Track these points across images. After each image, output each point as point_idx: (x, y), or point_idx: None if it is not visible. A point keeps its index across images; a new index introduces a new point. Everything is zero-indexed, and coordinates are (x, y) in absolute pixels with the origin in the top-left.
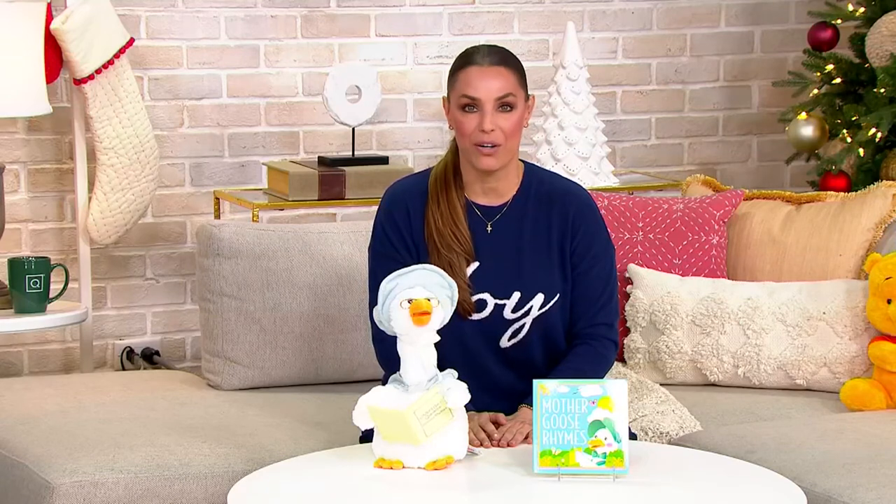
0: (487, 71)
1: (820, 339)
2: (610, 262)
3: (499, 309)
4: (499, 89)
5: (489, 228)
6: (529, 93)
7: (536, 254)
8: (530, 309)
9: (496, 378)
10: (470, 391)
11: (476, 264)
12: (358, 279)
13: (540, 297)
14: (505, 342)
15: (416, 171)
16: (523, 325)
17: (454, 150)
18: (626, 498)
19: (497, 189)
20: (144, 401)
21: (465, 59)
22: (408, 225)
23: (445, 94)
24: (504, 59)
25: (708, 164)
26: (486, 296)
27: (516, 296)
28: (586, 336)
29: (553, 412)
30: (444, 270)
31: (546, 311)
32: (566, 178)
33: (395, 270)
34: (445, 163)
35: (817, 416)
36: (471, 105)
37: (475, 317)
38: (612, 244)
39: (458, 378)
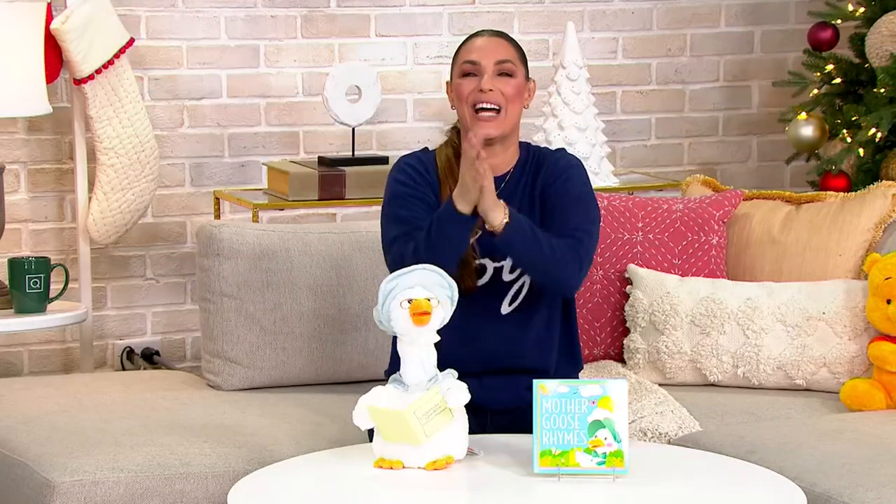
0: (489, 40)
1: (819, 339)
2: (590, 206)
3: (497, 272)
4: (499, 54)
5: None
6: (530, 77)
7: (531, 214)
8: None
9: (494, 350)
10: (465, 360)
11: (479, 233)
12: (358, 279)
13: None
14: (506, 307)
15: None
16: (522, 286)
17: (457, 132)
18: (626, 498)
19: (495, 164)
20: (144, 401)
21: (468, 37)
22: (425, 181)
23: (448, 79)
24: (505, 36)
25: (708, 165)
26: (485, 261)
27: None
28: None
29: (553, 412)
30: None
31: None
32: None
33: (420, 211)
34: (450, 141)
35: (817, 417)
36: (471, 71)
37: (478, 283)
38: (596, 200)
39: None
